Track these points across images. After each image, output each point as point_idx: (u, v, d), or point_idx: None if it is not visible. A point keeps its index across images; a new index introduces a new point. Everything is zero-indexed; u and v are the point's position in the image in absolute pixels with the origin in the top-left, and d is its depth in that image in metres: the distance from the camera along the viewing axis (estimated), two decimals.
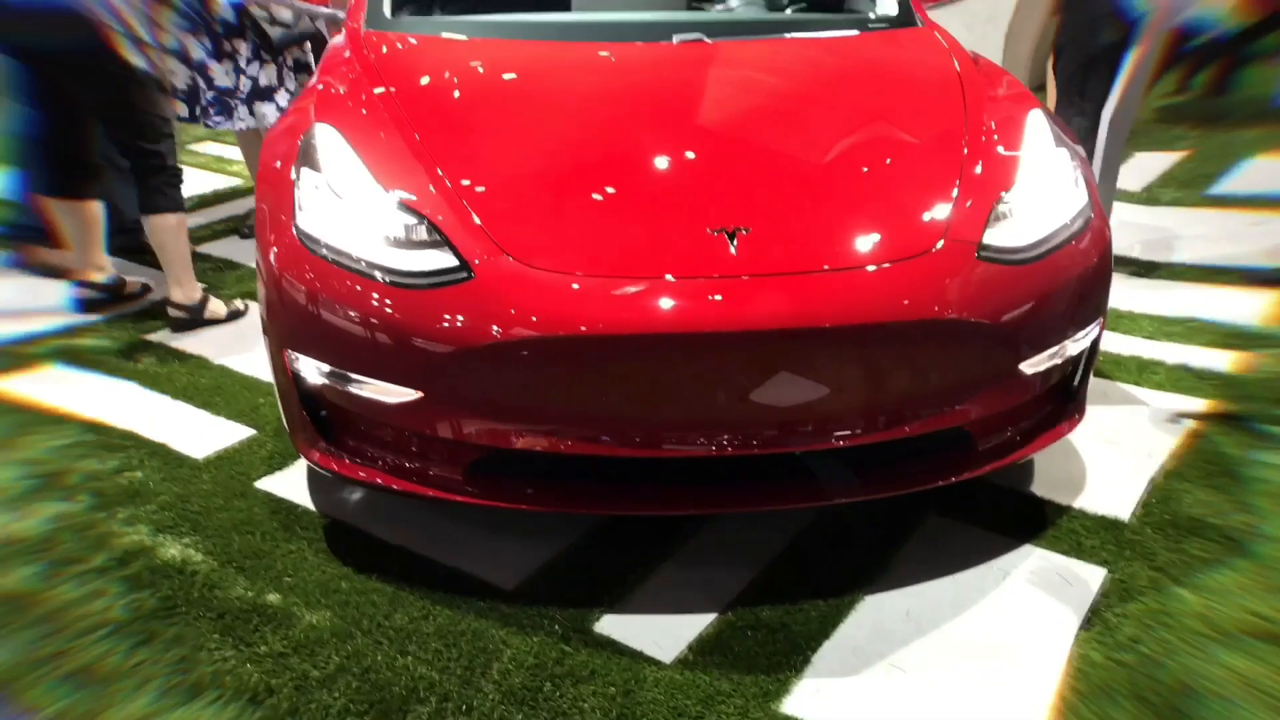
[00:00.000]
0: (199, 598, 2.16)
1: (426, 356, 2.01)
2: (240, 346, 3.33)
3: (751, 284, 1.98)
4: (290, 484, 2.59)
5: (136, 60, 3.26)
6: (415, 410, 2.08)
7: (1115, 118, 3.07)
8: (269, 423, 2.88)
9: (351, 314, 2.07)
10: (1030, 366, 2.15)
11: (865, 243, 2.09)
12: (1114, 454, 2.70)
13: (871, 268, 2.03)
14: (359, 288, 2.07)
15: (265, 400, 2.99)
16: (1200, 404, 2.94)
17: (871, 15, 3.10)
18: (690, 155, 2.33)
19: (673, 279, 1.98)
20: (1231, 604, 2.13)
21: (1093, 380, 3.06)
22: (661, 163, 2.30)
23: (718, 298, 1.95)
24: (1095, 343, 2.34)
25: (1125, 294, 3.71)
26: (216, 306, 3.50)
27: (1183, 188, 4.90)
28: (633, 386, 1.98)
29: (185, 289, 3.42)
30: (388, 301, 2.04)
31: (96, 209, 3.47)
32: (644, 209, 2.16)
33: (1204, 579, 2.21)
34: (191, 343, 3.37)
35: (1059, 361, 2.23)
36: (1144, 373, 3.14)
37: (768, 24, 3.08)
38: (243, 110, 3.84)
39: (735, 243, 2.04)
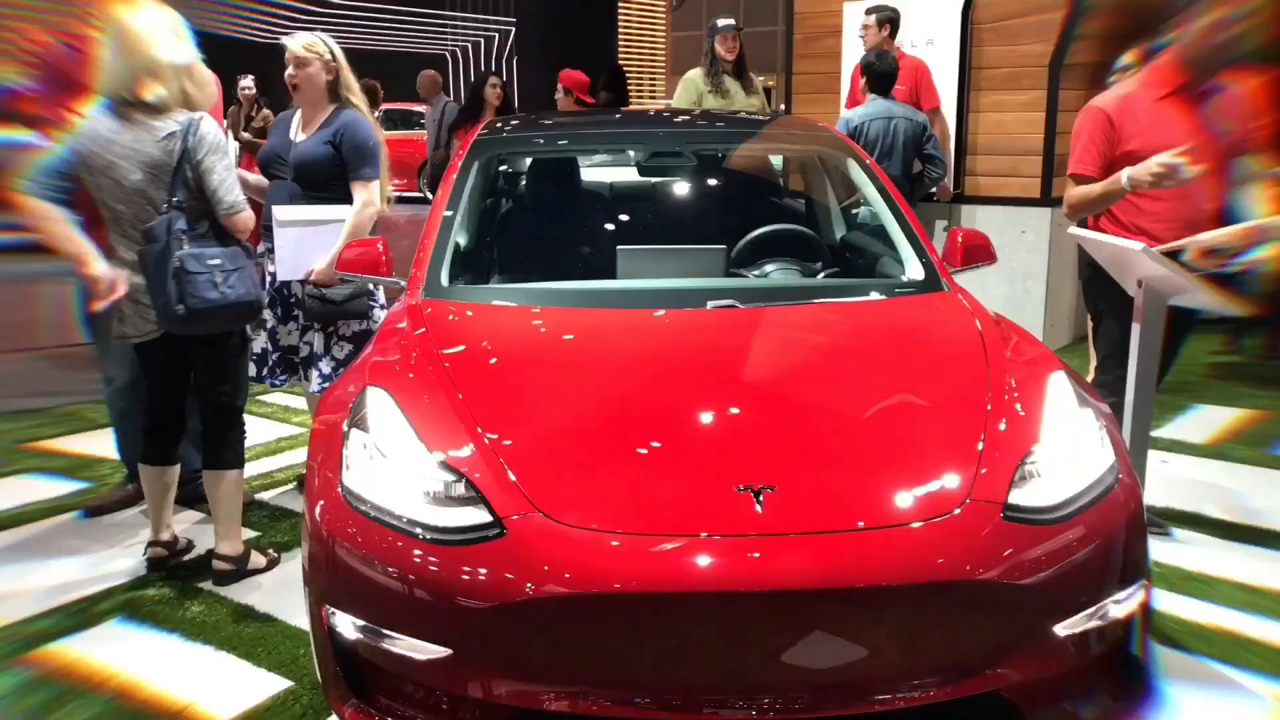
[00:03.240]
0: None
1: (457, 613, 2.05)
2: (286, 595, 3.37)
3: (776, 543, 2.02)
4: None
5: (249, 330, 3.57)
6: (445, 668, 2.09)
7: (1137, 379, 3.14)
8: (307, 674, 2.88)
9: (387, 570, 2.13)
10: (1066, 629, 2.11)
11: (890, 502, 2.13)
12: None
13: (896, 528, 2.06)
14: (397, 544, 2.14)
15: (305, 651, 3.00)
16: None
17: (899, 280, 3.25)
18: (720, 415, 2.42)
19: (700, 537, 2.03)
20: None
21: (1173, 654, 2.92)
22: (692, 422, 2.40)
23: (744, 556, 1.98)
24: (1145, 608, 2.28)
25: (1201, 555, 3.59)
26: (258, 559, 3.58)
27: (1254, 446, 4.80)
28: (659, 646, 1.99)
29: (232, 542, 3.53)
30: (422, 558, 2.11)
31: (178, 471, 3.64)
32: (674, 467, 2.24)
33: None
34: (240, 591, 3.43)
35: (1101, 624, 2.17)
36: (1238, 651, 2.95)
37: (798, 290, 3.25)
38: (301, 371, 4.04)
39: (761, 501, 2.09)
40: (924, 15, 6.77)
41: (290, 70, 3.87)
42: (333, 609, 2.24)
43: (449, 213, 3.37)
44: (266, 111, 9.95)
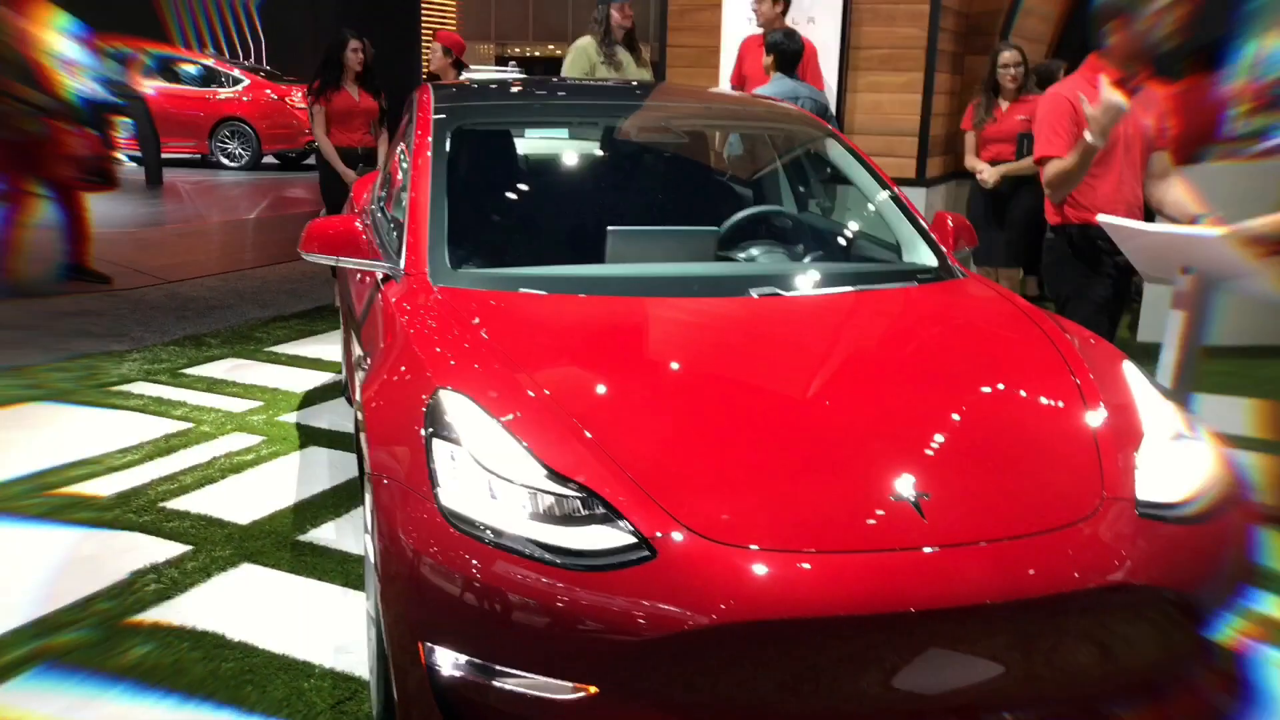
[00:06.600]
0: None
1: (607, 647, 1.84)
2: (258, 616, 2.98)
3: (956, 555, 1.91)
4: None
5: None
6: (588, 708, 1.87)
7: (1182, 368, 3.25)
8: (321, 712, 2.55)
9: (513, 600, 1.88)
10: (1205, 630, 2.09)
11: (1037, 505, 2.05)
12: None
13: (1059, 530, 1.98)
14: (521, 571, 1.89)
15: (310, 684, 2.66)
16: None
17: (919, 265, 3.19)
18: (836, 416, 2.27)
19: (876, 553, 1.89)
20: None
21: None
22: (809, 424, 2.24)
23: (929, 572, 1.87)
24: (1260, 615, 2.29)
25: None
26: None
27: None
28: (837, 671, 1.84)
29: None
30: (558, 585, 1.87)
31: None
32: (813, 475, 2.08)
33: None
34: (197, 617, 2.99)
35: (1232, 627, 2.17)
36: None
37: (827, 277, 3.07)
38: None
39: (923, 510, 1.97)
40: None
41: None
42: (431, 645, 1.96)
43: (438, 190, 3.04)
44: None
